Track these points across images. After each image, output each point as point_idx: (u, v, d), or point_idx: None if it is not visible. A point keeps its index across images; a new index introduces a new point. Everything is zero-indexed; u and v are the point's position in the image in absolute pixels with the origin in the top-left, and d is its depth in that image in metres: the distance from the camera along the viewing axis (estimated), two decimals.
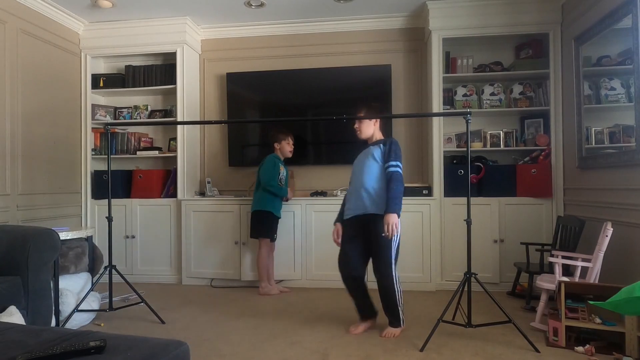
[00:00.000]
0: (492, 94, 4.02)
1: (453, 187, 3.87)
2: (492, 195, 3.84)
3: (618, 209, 2.96)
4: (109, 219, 3.10)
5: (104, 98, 4.68)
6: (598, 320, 2.49)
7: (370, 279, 2.88)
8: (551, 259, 2.82)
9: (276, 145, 3.84)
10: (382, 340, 2.65)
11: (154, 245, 4.26)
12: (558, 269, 2.77)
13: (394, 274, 2.73)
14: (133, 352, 1.32)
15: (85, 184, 4.38)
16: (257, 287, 3.89)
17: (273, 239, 3.83)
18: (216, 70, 4.63)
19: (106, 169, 3.88)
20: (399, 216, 2.67)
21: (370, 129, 2.88)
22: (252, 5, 3.99)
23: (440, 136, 3.93)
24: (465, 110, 3.46)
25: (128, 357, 1.28)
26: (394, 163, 2.71)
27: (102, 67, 4.68)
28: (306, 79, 4.32)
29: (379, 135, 2.90)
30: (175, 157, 4.32)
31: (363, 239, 2.82)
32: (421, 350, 2.48)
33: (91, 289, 3.07)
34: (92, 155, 4.41)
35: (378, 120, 2.89)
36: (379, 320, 2.89)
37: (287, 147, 3.83)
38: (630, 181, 2.84)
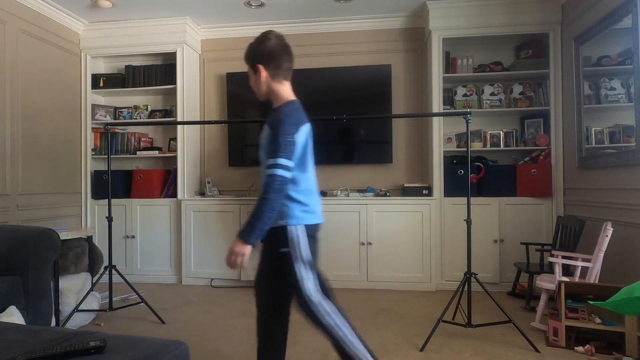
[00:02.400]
0: (492, 94, 4.02)
1: (453, 187, 3.87)
2: (492, 195, 3.84)
3: (618, 209, 2.96)
4: (109, 219, 3.10)
5: (104, 98, 4.68)
6: (598, 320, 2.49)
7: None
8: (551, 259, 2.82)
9: None
10: (382, 340, 2.65)
11: (154, 245, 4.26)
12: (558, 269, 2.77)
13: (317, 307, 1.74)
14: (133, 352, 1.32)
15: (85, 184, 4.37)
16: None
17: None
18: (216, 70, 4.63)
19: (106, 169, 3.88)
20: (250, 244, 1.63)
21: (259, 83, 1.82)
22: (252, 5, 3.99)
23: (440, 136, 3.93)
24: (465, 110, 3.46)
25: (128, 357, 1.28)
26: (271, 161, 1.65)
27: (102, 67, 4.68)
28: (306, 79, 4.32)
29: (281, 96, 1.83)
30: (175, 157, 4.32)
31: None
32: (421, 350, 2.48)
33: (91, 289, 3.07)
34: (92, 155, 4.41)
35: (267, 70, 1.78)
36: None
37: None
38: (630, 181, 2.84)
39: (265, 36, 1.78)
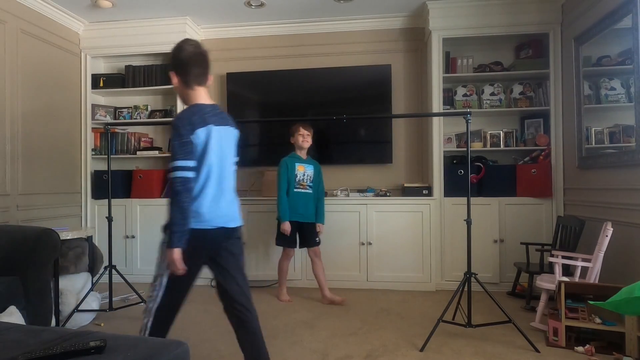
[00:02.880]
0: (492, 94, 4.02)
1: (453, 187, 3.87)
2: (492, 195, 3.84)
3: (618, 209, 2.96)
4: (109, 219, 3.11)
5: (104, 98, 4.68)
6: (598, 320, 2.49)
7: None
8: (551, 259, 2.82)
9: (292, 141, 3.56)
10: (382, 341, 2.65)
11: (154, 245, 4.23)
12: (558, 269, 2.77)
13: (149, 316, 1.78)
14: (133, 352, 1.32)
15: (85, 184, 4.37)
16: (256, 287, 3.92)
17: (285, 246, 3.56)
18: (216, 70, 4.62)
19: (106, 169, 3.88)
20: (176, 247, 1.69)
21: (177, 89, 1.92)
22: (252, 5, 3.99)
23: (440, 136, 3.93)
24: (465, 110, 3.46)
25: (128, 357, 1.28)
26: (170, 165, 1.73)
27: (102, 67, 4.68)
28: (306, 79, 4.32)
29: (189, 101, 1.90)
30: None
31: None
32: (421, 350, 2.48)
33: (91, 289, 3.07)
34: (92, 155, 4.41)
35: (177, 76, 1.88)
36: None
37: (298, 138, 3.50)
38: (630, 181, 2.84)
39: (179, 46, 1.88)
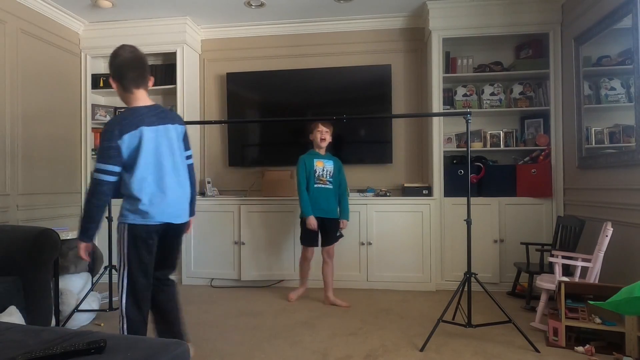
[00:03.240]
0: (492, 94, 4.02)
1: (453, 187, 3.87)
2: (492, 195, 3.84)
3: (618, 209, 2.96)
4: (109, 219, 3.10)
5: (104, 98, 4.68)
6: (598, 320, 2.49)
7: None
8: (551, 259, 2.82)
9: (311, 138, 3.54)
10: (382, 341, 2.65)
11: None
12: (558, 269, 2.77)
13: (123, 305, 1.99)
14: (133, 352, 1.32)
15: (85, 184, 4.37)
16: (256, 287, 3.92)
17: (309, 245, 3.51)
18: (216, 70, 4.63)
19: None
20: (84, 241, 1.94)
21: (118, 93, 2.09)
22: (252, 5, 3.99)
23: (440, 136, 3.93)
24: (465, 110, 3.46)
25: (128, 357, 1.28)
26: (95, 166, 1.94)
27: (102, 67, 4.67)
28: (306, 79, 4.32)
29: (127, 104, 2.06)
30: None
31: None
32: (421, 350, 2.48)
33: (91, 289, 3.07)
34: (92, 155, 4.41)
35: (115, 82, 2.04)
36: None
37: (317, 135, 3.48)
38: (630, 181, 2.84)
39: (114, 52, 2.05)
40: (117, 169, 1.90)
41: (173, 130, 2.04)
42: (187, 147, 2.17)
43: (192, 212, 2.20)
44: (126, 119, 1.92)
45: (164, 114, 2.05)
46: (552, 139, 3.82)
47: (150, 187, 1.94)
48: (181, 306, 2.24)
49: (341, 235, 3.54)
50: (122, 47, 2.04)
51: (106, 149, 1.87)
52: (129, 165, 1.93)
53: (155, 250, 2.03)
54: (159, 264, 2.10)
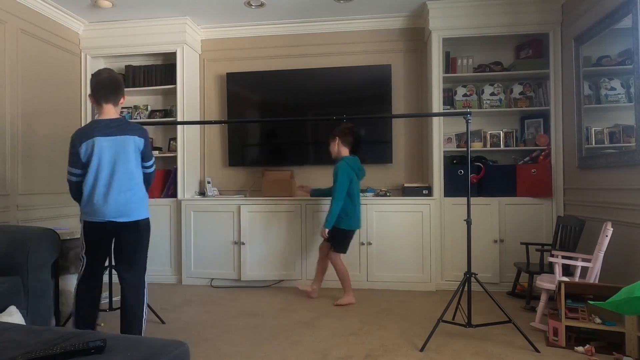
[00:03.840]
0: (492, 94, 4.02)
1: (453, 187, 3.87)
2: (492, 195, 3.84)
3: (618, 209, 2.96)
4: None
5: None
6: (598, 320, 2.49)
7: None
8: (551, 259, 2.82)
9: (342, 141, 3.54)
10: (382, 341, 2.65)
11: (154, 245, 4.23)
12: (558, 269, 2.77)
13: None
14: (133, 352, 1.32)
15: None
16: (256, 287, 3.92)
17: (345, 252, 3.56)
18: (216, 70, 4.63)
19: None
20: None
21: (92, 105, 2.54)
22: (252, 5, 3.99)
23: (440, 136, 3.93)
24: (465, 110, 3.46)
25: (128, 357, 1.28)
26: None
27: (102, 67, 4.68)
28: (306, 79, 4.32)
29: (99, 116, 2.38)
30: (175, 157, 4.32)
31: None
32: (421, 350, 2.48)
33: None
34: None
35: (91, 98, 2.39)
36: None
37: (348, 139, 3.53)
38: (630, 181, 2.84)
39: (96, 73, 2.38)
40: (77, 171, 2.29)
41: (131, 141, 2.31)
42: (147, 157, 2.41)
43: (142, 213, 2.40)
44: (83, 130, 2.28)
45: (125, 125, 2.34)
46: (552, 139, 3.82)
47: (101, 189, 2.25)
48: (140, 306, 2.36)
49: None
50: (103, 69, 2.40)
51: (70, 155, 2.28)
52: (82, 170, 2.29)
53: (104, 245, 2.36)
54: (116, 259, 2.40)
